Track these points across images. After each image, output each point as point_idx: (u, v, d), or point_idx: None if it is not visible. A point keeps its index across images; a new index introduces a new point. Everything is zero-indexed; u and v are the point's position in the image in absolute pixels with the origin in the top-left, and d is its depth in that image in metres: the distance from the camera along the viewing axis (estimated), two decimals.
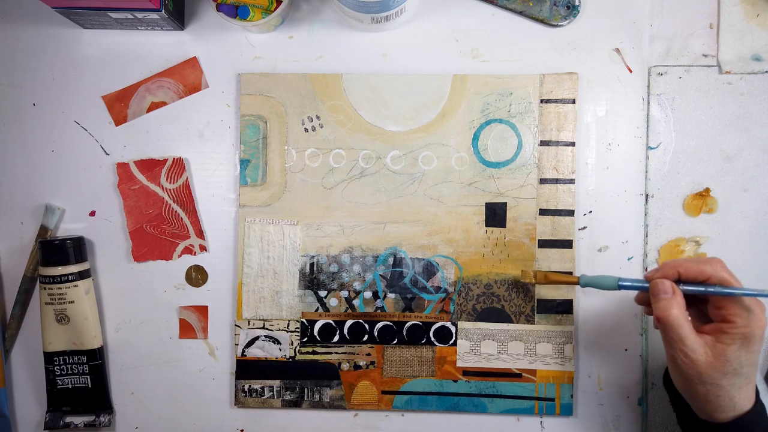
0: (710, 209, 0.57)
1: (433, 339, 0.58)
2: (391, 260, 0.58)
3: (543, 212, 0.57)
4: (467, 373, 0.58)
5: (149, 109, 0.59)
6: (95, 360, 0.57)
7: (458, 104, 0.57)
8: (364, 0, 0.51)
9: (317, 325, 0.58)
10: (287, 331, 0.58)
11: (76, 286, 0.56)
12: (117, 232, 0.59)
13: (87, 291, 0.57)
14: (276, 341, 0.58)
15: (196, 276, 0.59)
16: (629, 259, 0.58)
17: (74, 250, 0.56)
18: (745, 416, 0.45)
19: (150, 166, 0.58)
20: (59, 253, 0.55)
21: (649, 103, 0.58)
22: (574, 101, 0.57)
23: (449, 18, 0.58)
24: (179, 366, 0.59)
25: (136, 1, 0.52)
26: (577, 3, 0.57)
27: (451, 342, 0.58)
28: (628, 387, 0.58)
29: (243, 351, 0.58)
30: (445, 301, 0.58)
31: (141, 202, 0.58)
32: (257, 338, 0.58)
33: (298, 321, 0.58)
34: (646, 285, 0.48)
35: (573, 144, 0.57)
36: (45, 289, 0.55)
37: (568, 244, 0.57)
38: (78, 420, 0.58)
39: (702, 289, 0.46)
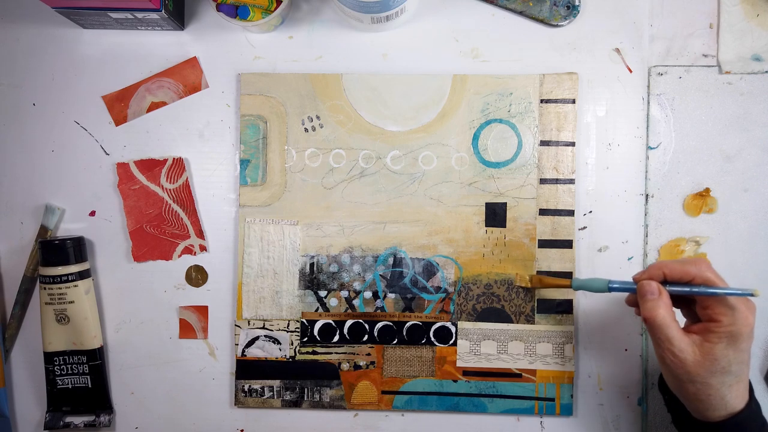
0: (710, 209, 0.57)
1: (433, 339, 0.58)
2: (391, 260, 0.58)
3: (543, 212, 0.57)
4: (467, 373, 0.58)
5: (149, 109, 0.59)
6: (95, 360, 0.57)
7: (458, 104, 0.57)
8: (364, 0, 0.51)
9: (317, 325, 0.58)
10: (287, 331, 0.58)
11: (76, 286, 0.56)
12: (117, 232, 0.59)
13: (87, 291, 0.57)
14: (276, 341, 0.58)
15: (196, 276, 0.59)
16: (629, 259, 0.58)
17: (74, 250, 0.56)
18: (738, 415, 0.45)
19: (150, 166, 0.58)
20: (59, 253, 0.55)
21: (649, 103, 0.58)
22: (574, 101, 0.57)
23: (449, 18, 0.58)
24: (179, 366, 0.59)
25: (136, 1, 0.52)
26: (577, 3, 0.57)
27: (451, 342, 0.58)
28: (628, 387, 0.58)
29: (243, 351, 0.58)
30: (445, 301, 0.58)
31: (141, 202, 0.58)
32: (257, 338, 0.58)
33: (298, 321, 0.58)
34: (635, 286, 0.49)
35: (573, 144, 0.57)
36: (45, 289, 0.55)
37: (568, 244, 0.57)
38: (78, 420, 0.58)
39: (687, 289, 0.46)
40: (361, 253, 0.58)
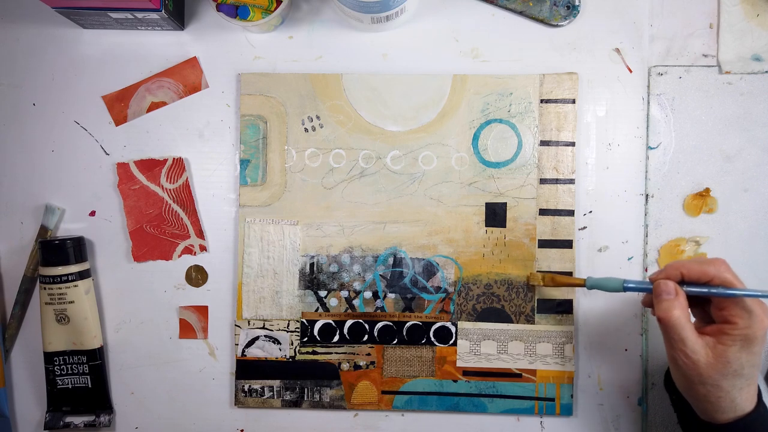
0: (710, 209, 0.57)
1: (433, 339, 0.58)
2: (391, 260, 0.58)
3: (543, 212, 0.57)
4: (467, 373, 0.58)
5: (149, 109, 0.59)
6: (95, 360, 0.57)
7: (458, 104, 0.57)
8: (364, 0, 0.51)
9: (317, 325, 0.58)
10: (287, 331, 0.58)
11: (76, 286, 0.56)
12: (117, 232, 0.59)
13: (87, 291, 0.57)
14: (276, 341, 0.58)
15: (196, 276, 0.59)
16: (629, 259, 0.58)
17: (74, 250, 0.56)
18: (746, 417, 0.45)
19: (150, 166, 0.58)
20: (59, 253, 0.55)
21: (649, 103, 0.58)
22: (574, 101, 0.57)
23: (449, 18, 0.58)
24: (179, 366, 0.59)
25: (136, 1, 0.52)
26: (577, 3, 0.57)
27: (451, 342, 0.58)
28: (628, 387, 0.58)
29: (243, 351, 0.58)
30: (445, 301, 0.58)
31: (141, 202, 0.58)
32: (257, 338, 0.58)
33: (298, 321, 0.58)
34: (651, 287, 0.48)
35: (573, 144, 0.57)
36: (45, 289, 0.55)
37: (568, 244, 0.57)
38: (78, 420, 0.58)
39: (705, 290, 0.46)
40: (361, 253, 0.58)
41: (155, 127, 0.59)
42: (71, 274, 0.55)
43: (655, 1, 0.57)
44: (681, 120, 0.57)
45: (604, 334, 0.58)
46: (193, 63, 0.59)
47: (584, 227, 0.58)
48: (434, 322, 0.58)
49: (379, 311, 0.58)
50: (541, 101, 0.57)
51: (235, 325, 0.58)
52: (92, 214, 0.59)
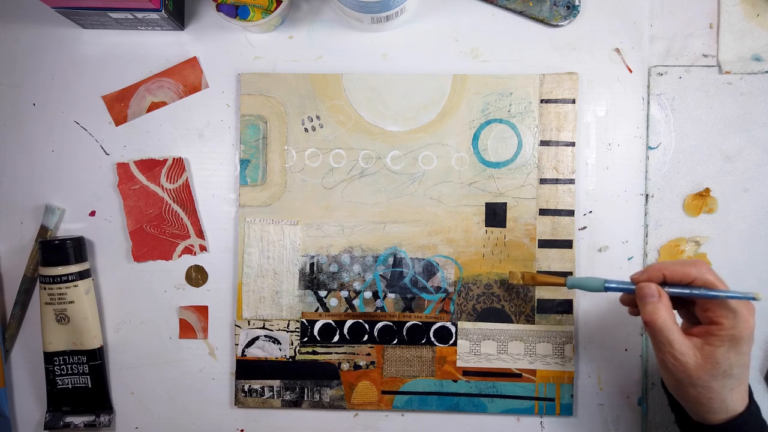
0: (710, 209, 0.57)
1: (433, 339, 0.58)
2: (391, 260, 0.58)
3: (543, 212, 0.57)
4: (467, 373, 0.58)
5: (149, 109, 0.59)
6: (95, 360, 0.57)
7: (458, 104, 0.57)
8: (364, 0, 0.51)
9: (317, 325, 0.58)
10: (287, 331, 0.58)
11: (76, 286, 0.56)
12: (117, 232, 0.59)
13: (87, 291, 0.57)
14: (276, 341, 0.58)
15: (196, 276, 0.59)
16: (629, 259, 0.58)
17: (74, 250, 0.56)
18: (738, 418, 0.45)
19: (150, 166, 0.58)
20: (59, 253, 0.55)
21: (649, 103, 0.58)
22: (574, 101, 0.57)
23: (449, 18, 0.58)
24: (179, 366, 0.59)
25: (136, 1, 0.52)
26: (577, 3, 0.57)
27: (451, 342, 0.58)
28: (628, 387, 0.58)
29: (243, 351, 0.58)
30: (445, 301, 0.58)
31: (141, 202, 0.58)
32: (257, 338, 0.58)
33: (298, 321, 0.58)
34: (632, 287, 0.48)
35: (573, 144, 0.57)
36: (45, 289, 0.55)
37: (568, 244, 0.57)
38: (78, 420, 0.58)
39: (687, 291, 0.46)
40: (361, 253, 0.58)
41: (155, 127, 0.59)
42: (71, 274, 0.55)
43: (655, 1, 0.57)
44: (681, 120, 0.57)
45: (604, 334, 0.58)
46: (193, 63, 0.59)
47: (584, 227, 0.58)
48: (434, 322, 0.58)
49: (379, 311, 0.58)
50: (541, 101, 0.57)
51: (235, 325, 0.58)
52: (92, 214, 0.59)
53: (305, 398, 0.58)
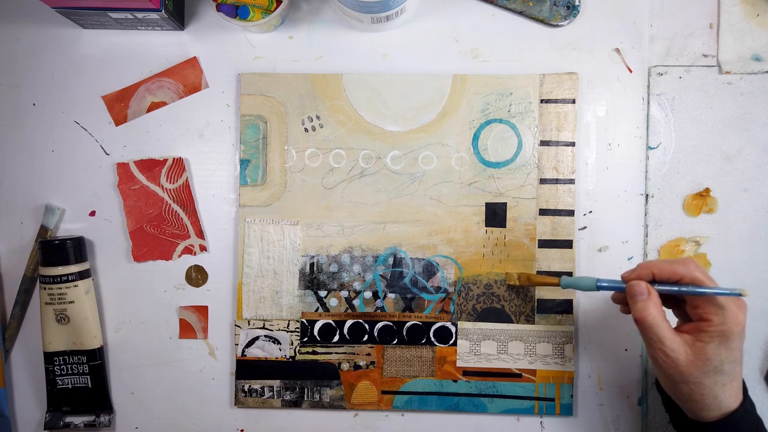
0: (710, 209, 0.57)
1: (433, 339, 0.58)
2: (391, 260, 0.58)
3: (543, 212, 0.57)
4: (467, 373, 0.58)
5: (149, 109, 0.59)
6: (95, 360, 0.57)
7: (458, 104, 0.57)
8: (364, 0, 0.51)
9: (317, 325, 0.58)
10: (287, 331, 0.58)
11: (76, 286, 0.56)
12: (117, 232, 0.59)
13: (87, 291, 0.57)
14: (276, 341, 0.58)
15: (196, 276, 0.59)
16: (629, 259, 0.58)
17: (74, 250, 0.56)
18: (732, 414, 0.45)
19: (150, 166, 0.58)
20: (59, 253, 0.55)
21: (649, 103, 0.58)
22: (574, 101, 0.57)
23: (449, 18, 0.58)
24: (179, 366, 0.59)
25: (136, 1, 0.52)
26: (577, 3, 0.57)
27: (451, 342, 0.58)
28: (628, 387, 0.58)
29: (243, 351, 0.58)
30: (445, 301, 0.58)
31: (141, 202, 0.58)
32: (257, 338, 0.58)
33: (298, 321, 0.58)
34: (623, 285, 0.49)
35: (573, 144, 0.57)
36: (45, 289, 0.55)
37: (568, 244, 0.57)
38: (78, 420, 0.58)
39: (675, 288, 0.46)
40: (361, 253, 0.58)
41: (155, 127, 0.59)
42: (71, 274, 0.55)
43: (655, 1, 0.57)
44: (681, 120, 0.57)
45: (604, 334, 0.58)
46: (193, 63, 0.59)
47: (584, 227, 0.58)
48: (434, 322, 0.58)
49: (379, 311, 0.58)
50: (541, 101, 0.57)
51: (235, 325, 0.58)
52: (92, 214, 0.59)
53: (305, 398, 0.58)
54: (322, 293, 0.58)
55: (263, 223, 0.58)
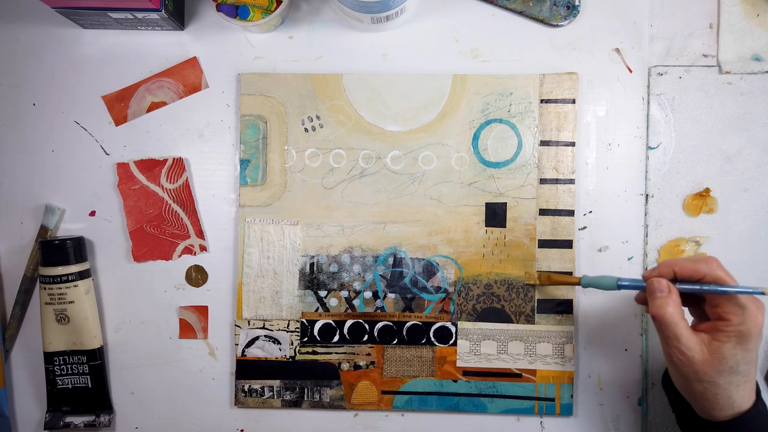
0: (710, 209, 0.57)
1: (433, 339, 0.58)
2: (391, 260, 0.58)
3: (543, 212, 0.57)
4: (467, 373, 0.58)
5: (149, 109, 0.59)
6: (95, 360, 0.57)
7: (458, 104, 0.57)
8: (364, 0, 0.51)
9: (317, 325, 0.58)
10: (287, 331, 0.58)
11: (76, 286, 0.56)
12: (117, 232, 0.59)
13: (87, 291, 0.57)
14: (276, 341, 0.58)
15: (196, 276, 0.59)
16: (629, 259, 0.58)
17: (74, 250, 0.56)
18: (745, 415, 0.45)
19: (150, 166, 0.58)
20: (59, 253, 0.55)
21: (649, 103, 0.58)
22: (574, 101, 0.57)
23: (449, 18, 0.58)
24: (179, 366, 0.59)
25: (136, 1, 0.52)
26: (577, 3, 0.57)
27: (451, 342, 0.58)
28: (628, 387, 0.58)
29: (243, 351, 0.58)
30: (445, 301, 0.58)
31: (141, 202, 0.58)
32: (257, 338, 0.58)
33: (298, 321, 0.58)
34: (644, 284, 0.48)
35: (573, 144, 0.57)
36: (45, 289, 0.55)
37: (568, 244, 0.57)
38: (78, 420, 0.58)
39: (697, 287, 0.46)
40: (361, 253, 0.58)
41: (155, 127, 0.59)
42: (71, 274, 0.55)
43: (655, 1, 0.57)
44: (681, 120, 0.57)
45: (604, 335, 0.58)
46: (193, 63, 0.59)
47: (584, 227, 0.58)
48: (434, 322, 0.58)
49: (379, 311, 0.58)
50: (541, 101, 0.57)
51: (235, 325, 0.58)
52: (92, 214, 0.59)
53: (305, 398, 0.58)
54: (322, 293, 0.58)
55: (263, 223, 0.58)
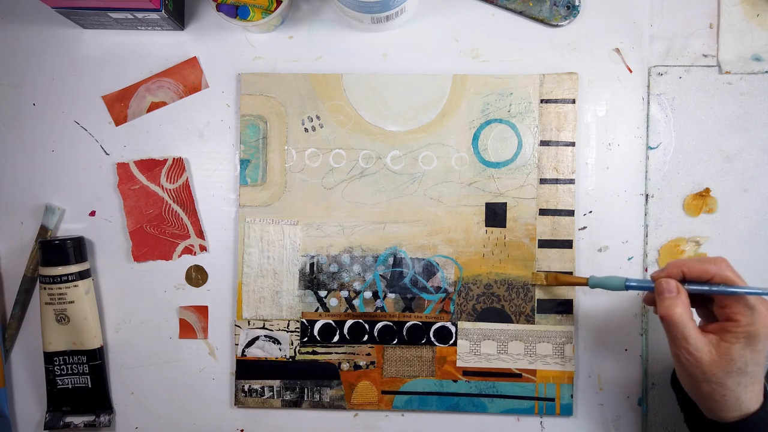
0: (710, 209, 0.57)
1: (433, 339, 0.58)
2: (391, 260, 0.58)
3: (543, 212, 0.57)
4: (467, 373, 0.58)
5: (149, 109, 0.59)
6: (95, 360, 0.57)
7: (458, 104, 0.57)
8: (364, 0, 0.51)
9: (317, 325, 0.58)
10: (287, 331, 0.58)
11: (76, 286, 0.56)
12: (117, 232, 0.59)
13: (87, 291, 0.57)
14: (276, 341, 0.58)
15: (196, 276, 0.59)
16: (629, 259, 0.58)
17: (74, 250, 0.56)
18: (753, 416, 0.45)
19: (150, 166, 0.58)
20: (59, 253, 0.55)
21: (649, 103, 0.58)
22: (574, 101, 0.57)
23: (449, 18, 0.58)
24: (179, 366, 0.59)
25: (136, 1, 0.52)
26: (577, 3, 0.57)
27: (451, 342, 0.58)
28: (628, 387, 0.58)
29: (243, 351, 0.58)
30: (445, 301, 0.58)
31: (141, 202, 0.58)
32: (257, 338, 0.58)
33: (298, 321, 0.58)
34: (653, 285, 0.48)
35: (573, 144, 0.57)
36: (45, 289, 0.55)
37: (568, 244, 0.57)
38: (78, 420, 0.58)
39: (706, 288, 0.46)
40: (361, 253, 0.58)
41: (155, 127, 0.59)
42: (71, 274, 0.55)
43: (655, 1, 0.57)
44: (681, 120, 0.57)
45: (604, 334, 0.58)
46: (193, 63, 0.59)
47: (584, 227, 0.58)
48: (434, 322, 0.58)
49: (379, 311, 0.58)
50: (541, 101, 0.57)
51: (235, 325, 0.58)
52: (92, 214, 0.59)
53: (305, 398, 0.58)
54: (322, 293, 0.58)
55: (263, 223, 0.58)
